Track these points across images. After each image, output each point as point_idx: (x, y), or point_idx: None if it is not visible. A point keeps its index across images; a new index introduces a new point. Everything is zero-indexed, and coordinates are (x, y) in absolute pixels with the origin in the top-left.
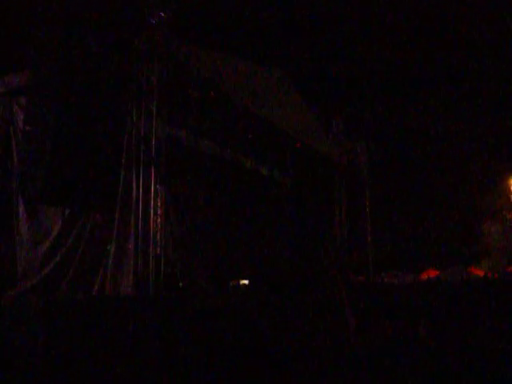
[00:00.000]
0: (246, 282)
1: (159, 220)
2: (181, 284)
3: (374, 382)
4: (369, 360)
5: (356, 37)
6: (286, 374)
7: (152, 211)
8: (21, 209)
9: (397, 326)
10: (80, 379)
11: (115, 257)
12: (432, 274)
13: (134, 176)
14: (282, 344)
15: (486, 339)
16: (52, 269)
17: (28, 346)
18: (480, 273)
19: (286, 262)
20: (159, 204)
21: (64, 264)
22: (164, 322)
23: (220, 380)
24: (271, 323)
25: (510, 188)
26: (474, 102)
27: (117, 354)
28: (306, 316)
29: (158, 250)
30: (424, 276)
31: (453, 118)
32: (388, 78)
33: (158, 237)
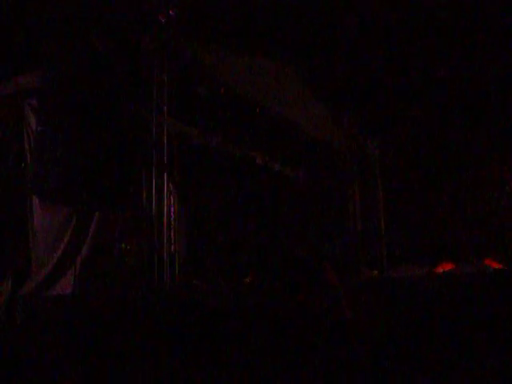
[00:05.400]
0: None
1: (172, 218)
2: (195, 281)
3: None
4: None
5: (367, 32)
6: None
7: (165, 209)
8: (35, 206)
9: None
10: (92, 375)
11: (128, 255)
12: (447, 267)
13: (145, 174)
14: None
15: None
16: (65, 265)
17: (43, 342)
18: (498, 265)
19: (299, 258)
20: (172, 202)
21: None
22: (178, 320)
23: (227, 377)
24: (275, 320)
25: None
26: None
27: (130, 351)
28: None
29: (172, 247)
30: (439, 269)
31: (467, 110)
32: (398, 72)
33: (172, 234)
